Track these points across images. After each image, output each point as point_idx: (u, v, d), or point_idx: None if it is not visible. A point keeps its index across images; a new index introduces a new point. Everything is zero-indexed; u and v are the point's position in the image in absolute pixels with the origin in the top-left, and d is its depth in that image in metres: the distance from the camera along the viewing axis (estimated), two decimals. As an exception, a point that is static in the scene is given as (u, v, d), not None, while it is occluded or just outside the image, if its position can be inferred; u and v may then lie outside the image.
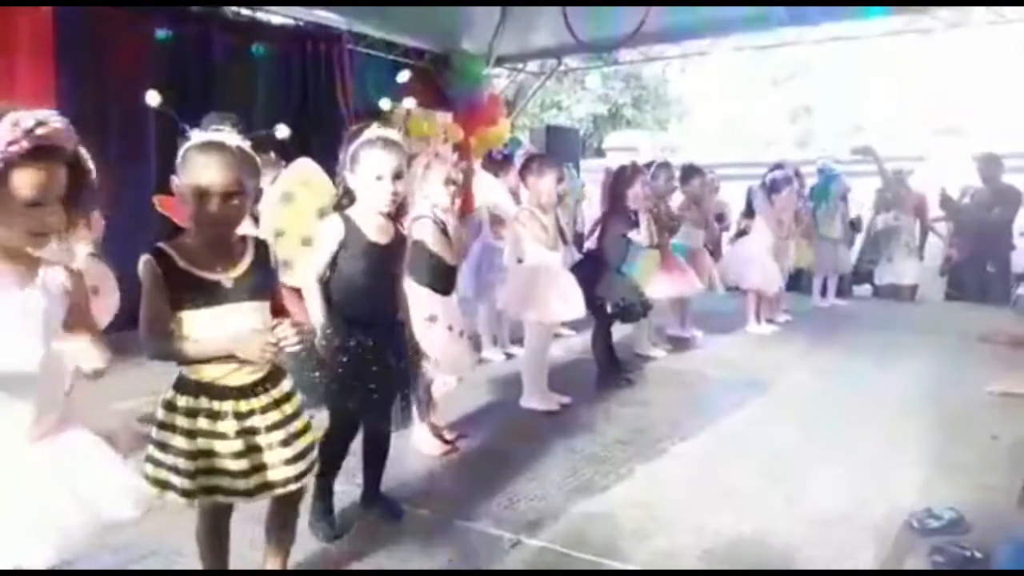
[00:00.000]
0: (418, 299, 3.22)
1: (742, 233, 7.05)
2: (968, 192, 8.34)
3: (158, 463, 2.02)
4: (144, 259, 1.97)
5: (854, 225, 8.32)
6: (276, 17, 7.56)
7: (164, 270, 1.96)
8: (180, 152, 2.00)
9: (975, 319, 6.72)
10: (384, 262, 2.69)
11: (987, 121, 15.51)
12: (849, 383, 4.90)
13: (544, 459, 3.55)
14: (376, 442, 2.91)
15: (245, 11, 7.22)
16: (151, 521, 2.65)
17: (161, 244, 2.00)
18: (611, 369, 4.92)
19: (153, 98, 2.08)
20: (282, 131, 2.27)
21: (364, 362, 2.61)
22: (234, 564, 2.30)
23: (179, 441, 2.00)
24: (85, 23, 5.81)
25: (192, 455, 2.00)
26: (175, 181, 2.00)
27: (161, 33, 6.32)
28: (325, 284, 2.68)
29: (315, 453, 2.20)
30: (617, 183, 4.93)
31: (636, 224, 4.88)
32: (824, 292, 7.77)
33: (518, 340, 5.02)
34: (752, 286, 6.40)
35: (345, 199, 2.69)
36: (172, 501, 2.04)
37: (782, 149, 17.10)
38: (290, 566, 2.36)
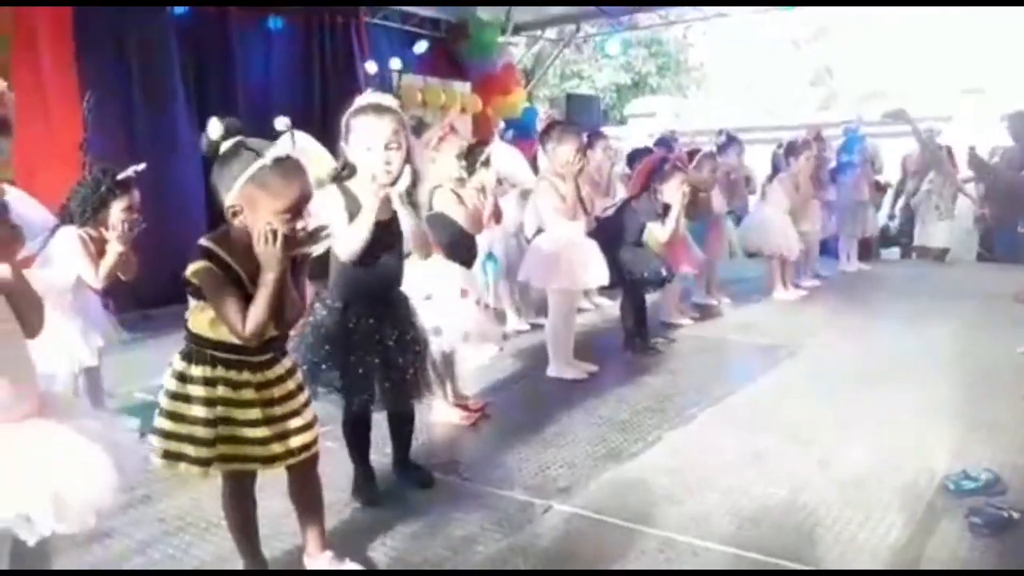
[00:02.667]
0: (448, 273, 3.21)
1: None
2: (998, 151, 8.18)
3: (168, 435, 2.03)
4: (204, 267, 1.93)
5: (879, 187, 8.21)
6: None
7: (221, 268, 1.95)
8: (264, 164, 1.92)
9: (1007, 280, 6.62)
10: (384, 238, 2.57)
11: (1014, 78, 15.16)
12: (879, 346, 4.85)
13: (573, 427, 3.55)
14: (399, 416, 2.91)
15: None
16: (190, 492, 2.74)
17: (210, 245, 1.96)
18: (639, 338, 4.87)
19: (281, 123, 2.01)
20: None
21: (366, 338, 2.60)
22: (265, 533, 2.33)
23: (196, 410, 2.01)
24: (102, 7, 5.80)
25: (211, 423, 2.02)
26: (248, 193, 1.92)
27: (178, 9, 6.32)
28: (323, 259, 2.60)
29: (317, 425, 2.22)
30: (653, 175, 4.80)
31: (661, 215, 4.74)
32: (849, 256, 7.69)
33: (544, 310, 5.00)
34: (773, 251, 6.33)
35: (345, 171, 2.58)
36: (185, 471, 2.05)
37: (804, 112, 16.84)
38: (328, 532, 2.38)
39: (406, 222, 2.61)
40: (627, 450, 3.28)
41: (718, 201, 5.92)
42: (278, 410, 2.10)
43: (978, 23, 19.44)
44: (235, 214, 1.94)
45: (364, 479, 2.82)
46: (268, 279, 1.92)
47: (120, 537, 2.54)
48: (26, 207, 3.02)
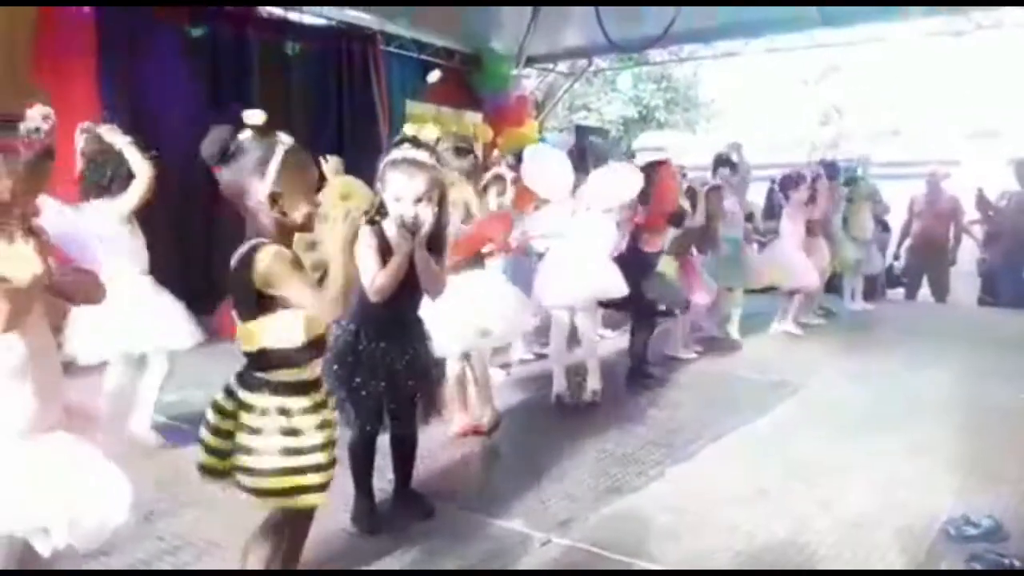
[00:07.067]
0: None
1: (764, 232, 6.83)
2: (1005, 196, 8.22)
3: (288, 471, 1.95)
4: (276, 250, 1.90)
5: (884, 226, 8.21)
6: (308, 16, 7.61)
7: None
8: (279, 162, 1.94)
9: (1010, 324, 6.62)
10: (408, 275, 2.61)
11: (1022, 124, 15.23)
12: (881, 387, 4.84)
13: (575, 460, 3.55)
14: (401, 440, 2.92)
15: (278, 11, 7.27)
16: (191, 511, 2.74)
17: (262, 240, 1.95)
18: (639, 366, 4.89)
19: (257, 116, 1.98)
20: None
21: (374, 362, 2.63)
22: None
23: (315, 437, 1.98)
24: (124, 23, 5.89)
25: (324, 447, 1.99)
26: (261, 187, 1.94)
27: (196, 30, 6.39)
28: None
29: None
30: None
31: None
32: (854, 295, 7.68)
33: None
34: (794, 285, 6.30)
35: (378, 215, 2.59)
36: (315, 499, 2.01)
37: (812, 151, 16.92)
38: (327, 561, 2.38)
39: (420, 266, 2.62)
40: (628, 484, 3.27)
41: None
42: (334, 433, 2.09)
43: (988, 68, 19.60)
44: (275, 200, 1.94)
45: (364, 507, 2.82)
46: (337, 257, 1.96)
47: (119, 555, 2.52)
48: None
